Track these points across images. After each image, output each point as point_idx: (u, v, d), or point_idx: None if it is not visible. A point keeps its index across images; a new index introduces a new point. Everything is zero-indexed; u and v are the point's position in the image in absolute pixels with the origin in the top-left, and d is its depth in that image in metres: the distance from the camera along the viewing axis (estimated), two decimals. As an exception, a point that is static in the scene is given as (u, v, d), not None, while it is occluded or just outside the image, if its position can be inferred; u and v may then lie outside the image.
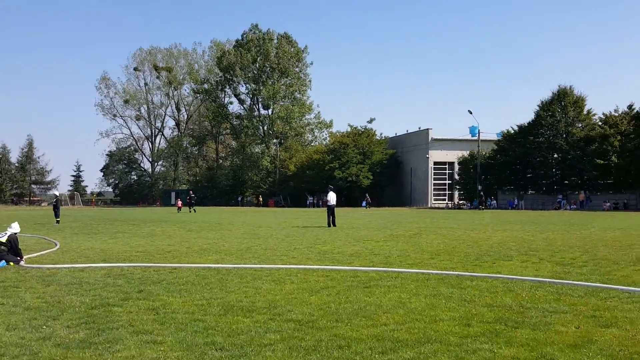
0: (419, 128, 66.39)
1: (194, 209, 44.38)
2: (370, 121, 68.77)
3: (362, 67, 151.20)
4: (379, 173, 64.87)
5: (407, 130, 69.73)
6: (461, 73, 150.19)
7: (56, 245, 14.26)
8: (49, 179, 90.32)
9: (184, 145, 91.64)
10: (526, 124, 55.67)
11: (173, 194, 76.81)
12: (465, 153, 60.19)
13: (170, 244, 14.97)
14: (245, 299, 7.15)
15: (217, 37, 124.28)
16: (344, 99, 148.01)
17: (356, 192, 64.31)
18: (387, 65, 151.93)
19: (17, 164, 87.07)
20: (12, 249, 10.82)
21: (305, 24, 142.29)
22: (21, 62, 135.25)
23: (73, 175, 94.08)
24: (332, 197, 23.48)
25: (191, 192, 53.76)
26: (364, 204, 62.03)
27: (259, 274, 9.41)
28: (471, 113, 57.05)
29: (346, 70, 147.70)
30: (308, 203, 66.08)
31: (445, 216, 35.70)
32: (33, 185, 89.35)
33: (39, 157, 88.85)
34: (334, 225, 22.62)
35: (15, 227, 11.16)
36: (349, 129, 69.27)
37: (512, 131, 57.05)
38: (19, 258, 10.83)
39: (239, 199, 75.87)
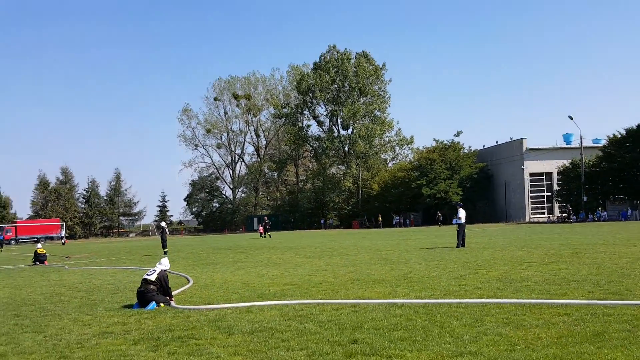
0: (511, 138, 62.72)
1: (269, 234, 44.62)
2: (458, 134, 65.68)
3: (441, 79, 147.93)
4: (469, 188, 61.65)
5: (496, 142, 66.24)
6: (549, 79, 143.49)
7: (189, 280, 13.03)
8: (136, 210, 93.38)
9: (264, 170, 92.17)
10: (635, 127, 50.90)
11: (255, 220, 76.99)
12: (565, 162, 55.89)
13: (310, 274, 13.42)
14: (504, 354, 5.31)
15: (294, 61, 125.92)
16: (423, 114, 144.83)
17: (445, 209, 61.32)
18: (467, 76, 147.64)
19: (105, 197, 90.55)
20: (161, 288, 9.60)
21: (381, 40, 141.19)
22: (106, 98, 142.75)
23: (159, 206, 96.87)
24: (462, 215, 21.41)
25: (265, 217, 54.80)
26: (454, 220, 58.94)
27: (469, 312, 7.53)
28: (572, 119, 53.01)
29: (424, 84, 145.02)
30: (394, 222, 63.74)
31: (567, 231, 32.36)
32: (121, 217, 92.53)
33: (126, 190, 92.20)
34: (463, 245, 20.45)
35: (165, 264, 9.97)
36: (433, 144, 66.56)
37: (619, 135, 52.36)
38: (168, 298, 9.59)
39: (322, 221, 74.65)
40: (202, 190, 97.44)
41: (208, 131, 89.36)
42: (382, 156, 78.90)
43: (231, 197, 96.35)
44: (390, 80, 77.65)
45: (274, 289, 10.88)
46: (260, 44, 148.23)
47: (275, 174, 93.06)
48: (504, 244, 21.42)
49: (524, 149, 59.68)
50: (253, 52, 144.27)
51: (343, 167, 77.67)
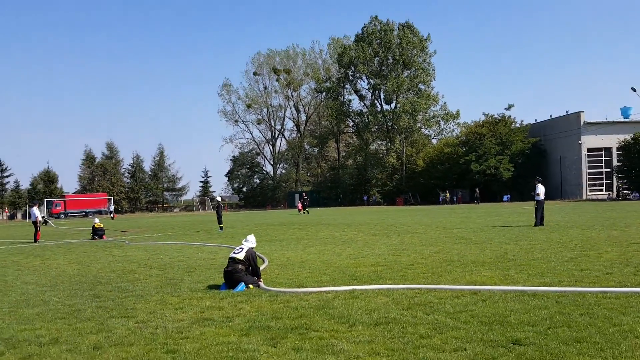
0: (567, 112, 59.76)
1: (306, 211, 45.14)
2: (509, 108, 63.00)
3: (488, 51, 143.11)
4: (520, 164, 59.28)
5: (550, 116, 63.28)
6: (606, 50, 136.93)
7: (264, 260, 12.16)
8: (179, 185, 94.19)
9: (304, 146, 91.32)
10: None
11: (297, 196, 76.57)
12: (627, 137, 52.86)
13: (393, 253, 12.42)
14: None
15: (334, 34, 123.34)
16: (470, 87, 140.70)
17: (495, 186, 59.27)
18: (517, 46, 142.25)
19: (150, 173, 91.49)
20: (249, 268, 8.76)
21: (424, 10, 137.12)
22: (148, 74, 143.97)
23: (201, 181, 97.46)
24: (541, 191, 20.02)
25: (304, 194, 55.58)
26: (505, 198, 57.07)
27: (624, 303, 6.37)
28: (635, 90, 49.83)
29: (470, 55, 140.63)
30: (440, 200, 62.08)
31: (635, 208, 30.37)
32: (165, 193, 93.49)
33: (169, 165, 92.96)
34: (542, 224, 19.09)
35: (251, 241, 9.12)
36: (482, 118, 64.12)
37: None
38: (256, 278, 8.75)
39: (365, 198, 73.52)
40: (243, 166, 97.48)
41: (248, 106, 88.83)
42: (426, 131, 76.83)
43: (272, 173, 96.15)
44: (435, 52, 75.17)
45: (363, 270, 9.92)
46: (300, 17, 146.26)
47: (316, 149, 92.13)
48: (586, 223, 19.90)
49: (582, 122, 56.77)
50: (293, 26, 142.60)
51: (385, 143, 76.00)
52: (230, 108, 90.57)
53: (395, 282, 8.56)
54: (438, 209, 45.19)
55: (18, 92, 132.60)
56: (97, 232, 22.16)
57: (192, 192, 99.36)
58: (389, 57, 72.42)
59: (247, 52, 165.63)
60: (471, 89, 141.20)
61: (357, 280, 8.93)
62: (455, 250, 12.59)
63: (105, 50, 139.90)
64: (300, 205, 47.82)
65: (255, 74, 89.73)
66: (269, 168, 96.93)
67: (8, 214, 69.76)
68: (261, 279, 8.83)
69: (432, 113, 74.26)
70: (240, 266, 8.57)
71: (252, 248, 8.98)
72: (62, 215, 67.10)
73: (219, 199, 26.11)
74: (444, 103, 74.51)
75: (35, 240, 21.88)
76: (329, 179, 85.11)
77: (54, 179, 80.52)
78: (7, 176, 79.00)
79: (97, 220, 23.17)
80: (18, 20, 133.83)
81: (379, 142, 78.72)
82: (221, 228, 24.78)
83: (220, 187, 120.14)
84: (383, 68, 73.39)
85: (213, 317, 6.69)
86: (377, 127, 74.58)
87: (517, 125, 63.08)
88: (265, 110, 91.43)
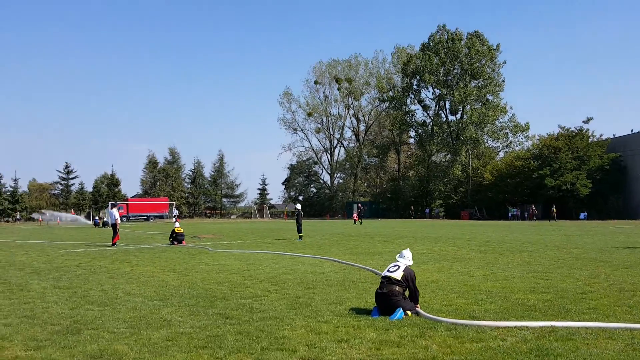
0: (651, 125, 55.60)
1: (360, 221, 45.62)
2: (587, 121, 59.27)
3: (559, 62, 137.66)
4: (599, 180, 55.49)
5: (631, 130, 59.11)
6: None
7: None
8: (237, 192, 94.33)
9: (363, 156, 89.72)
10: None
11: (355, 206, 74.92)
12: None
13: (535, 276, 10.57)
14: None
15: (399, 43, 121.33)
16: (541, 99, 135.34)
17: (571, 202, 55.67)
18: (592, 57, 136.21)
19: (209, 179, 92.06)
20: (406, 290, 7.21)
21: (492, 19, 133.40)
22: (210, 81, 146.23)
23: (259, 189, 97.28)
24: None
25: (359, 204, 56.67)
26: (582, 216, 53.47)
27: None
28: None
29: (541, 67, 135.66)
30: (510, 215, 58.86)
31: None
32: (224, 199, 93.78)
33: (229, 172, 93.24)
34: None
35: (408, 257, 7.58)
36: (557, 131, 60.66)
37: None
38: (412, 303, 7.19)
39: (427, 211, 71.01)
40: (300, 175, 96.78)
41: (309, 114, 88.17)
42: (493, 143, 73.73)
43: (329, 182, 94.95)
44: (504, 62, 72.27)
45: (527, 298, 8.16)
46: (363, 27, 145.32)
47: (374, 159, 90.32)
48: None
49: (667, 137, 52.61)
50: (355, 35, 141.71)
51: (449, 155, 73.29)
52: (290, 116, 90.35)
53: (583, 315, 6.81)
54: (515, 225, 42.40)
55: (86, 97, 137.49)
56: (177, 237, 21.24)
57: (250, 199, 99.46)
58: (456, 67, 70.04)
59: (309, 61, 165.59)
60: (543, 101, 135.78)
61: (533, 310, 7.22)
62: (613, 275, 10.62)
63: (170, 57, 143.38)
64: (356, 215, 47.57)
65: (316, 82, 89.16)
66: (326, 177, 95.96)
67: (74, 215, 71.30)
68: (418, 304, 7.25)
69: (499, 125, 71.11)
70: (397, 288, 7.03)
71: (409, 266, 7.42)
72: (124, 219, 67.78)
73: (299, 207, 24.76)
74: (513, 114, 71.38)
75: (113, 244, 21.17)
76: (388, 190, 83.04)
77: (117, 182, 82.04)
78: (72, 178, 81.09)
79: (177, 224, 22.28)
80: (80, 25, 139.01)
81: (443, 154, 76.10)
82: (300, 237, 23.46)
83: (277, 195, 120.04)
84: (449, 78, 71.06)
85: (400, 357, 5.16)
86: (441, 138, 72.05)
87: (595, 139, 59.23)
88: (324, 119, 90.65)
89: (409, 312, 6.92)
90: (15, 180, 74.03)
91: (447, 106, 72.88)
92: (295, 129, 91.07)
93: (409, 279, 7.15)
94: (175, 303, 8.31)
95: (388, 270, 7.29)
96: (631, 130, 59.30)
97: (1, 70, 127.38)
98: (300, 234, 23.63)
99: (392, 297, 6.93)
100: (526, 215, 57.00)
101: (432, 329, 6.25)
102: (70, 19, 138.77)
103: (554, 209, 50.32)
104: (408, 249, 7.83)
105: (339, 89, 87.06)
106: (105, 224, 47.09)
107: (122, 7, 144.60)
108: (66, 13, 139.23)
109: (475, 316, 6.90)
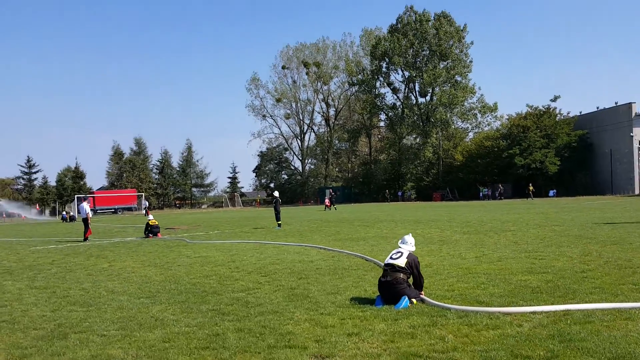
0: (616, 103, 56.91)
1: (334, 207, 44.45)
2: (555, 99, 60.13)
3: (525, 39, 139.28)
4: (567, 158, 56.65)
5: (597, 107, 60.38)
6: None
7: (379, 265, 10.28)
8: (207, 181, 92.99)
9: (334, 141, 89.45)
10: None
11: (328, 192, 74.78)
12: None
13: (529, 256, 10.47)
14: None
15: (367, 25, 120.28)
16: (507, 79, 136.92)
17: (540, 180, 56.71)
18: (556, 34, 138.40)
19: (178, 168, 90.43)
20: (411, 277, 6.94)
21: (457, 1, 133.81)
22: (176, 70, 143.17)
23: (229, 177, 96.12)
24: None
25: (331, 190, 55.67)
26: (551, 193, 54.55)
27: None
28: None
29: (506, 45, 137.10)
30: (481, 195, 59.64)
31: None
32: (193, 189, 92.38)
33: (197, 161, 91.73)
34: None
35: (410, 242, 7.27)
36: (526, 110, 61.39)
37: None
38: (417, 291, 6.92)
39: (399, 193, 71.41)
40: (271, 162, 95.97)
41: (278, 100, 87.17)
42: (462, 124, 74.39)
43: (300, 168, 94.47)
44: (472, 43, 72.62)
45: (528, 279, 7.99)
46: (330, 9, 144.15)
47: (345, 144, 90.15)
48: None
49: (633, 114, 53.89)
50: (322, 18, 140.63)
51: (419, 137, 73.61)
52: (259, 103, 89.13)
53: (591, 296, 6.67)
54: (488, 204, 42.90)
55: (44, 88, 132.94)
56: (152, 230, 20.57)
57: (219, 188, 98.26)
58: (425, 48, 70.07)
59: (276, 46, 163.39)
60: (509, 81, 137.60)
61: (539, 292, 7.04)
62: (605, 252, 10.60)
63: (129, 46, 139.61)
64: (327, 201, 47.21)
65: (283, 67, 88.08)
66: (297, 164, 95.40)
67: (39, 210, 69.12)
68: (423, 291, 6.99)
69: (468, 105, 71.70)
70: (401, 275, 6.74)
71: (412, 252, 7.13)
72: (91, 212, 66.16)
73: (277, 194, 24.31)
74: (481, 95, 72.02)
75: (85, 239, 20.38)
76: (360, 175, 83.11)
77: (81, 175, 79.81)
78: (35, 172, 78.53)
79: (151, 217, 21.58)
80: (40, 16, 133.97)
81: (413, 136, 76.42)
82: (279, 225, 23.07)
83: (248, 183, 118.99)
84: (418, 60, 71.12)
85: (418, 350, 4.87)
86: (411, 120, 72.27)
87: (563, 117, 60.32)
88: (293, 104, 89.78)
89: (414, 300, 6.65)
90: (-25, 176, 71.41)
91: (417, 88, 73.01)
92: (264, 116, 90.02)
93: (413, 265, 6.87)
94: (164, 300, 7.86)
95: (391, 258, 6.99)
96: (597, 107, 60.62)
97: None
98: (279, 222, 23.23)
99: (396, 285, 6.64)
100: (497, 195, 57.86)
101: (442, 317, 5.99)
102: (26, 3, 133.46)
103: (531, 187, 50.94)
104: (410, 234, 7.51)
105: (307, 74, 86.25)
106: (72, 219, 45.78)
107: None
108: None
109: (482, 301, 6.67)
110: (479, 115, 72.03)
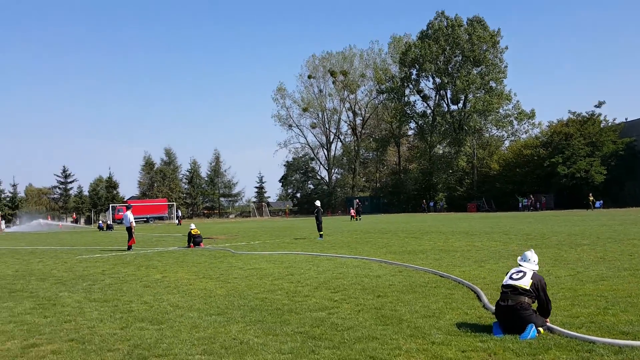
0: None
1: (359, 217, 43.74)
2: (600, 105, 57.88)
3: (563, 46, 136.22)
4: (614, 167, 54.37)
5: (642, 114, 58.09)
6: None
7: (477, 290, 8.97)
8: (235, 191, 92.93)
9: (361, 150, 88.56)
10: None
11: (355, 202, 73.85)
12: None
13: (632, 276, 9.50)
14: None
15: (395, 32, 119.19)
16: (545, 86, 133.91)
17: (585, 190, 54.63)
18: (598, 39, 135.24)
19: (206, 178, 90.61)
20: (537, 301, 6.04)
21: (490, 6, 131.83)
22: (203, 82, 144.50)
23: (256, 187, 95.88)
24: None
25: (357, 200, 54.91)
26: (597, 204, 52.36)
27: None
28: None
29: (543, 52, 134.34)
30: (521, 206, 57.82)
31: None
32: (221, 198, 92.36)
33: (225, 171, 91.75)
34: None
35: (533, 260, 6.34)
36: (568, 117, 59.30)
37: None
38: (543, 318, 5.98)
39: (431, 204, 69.96)
40: (297, 171, 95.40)
41: (304, 110, 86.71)
42: (497, 132, 72.66)
43: (327, 178, 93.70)
44: (506, 47, 70.93)
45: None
46: (356, 17, 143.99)
47: (373, 154, 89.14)
48: None
49: (684, 120, 51.55)
50: (349, 27, 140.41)
51: (452, 146, 72.08)
52: (285, 112, 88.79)
53: None
54: (534, 216, 41.26)
55: (78, 102, 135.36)
56: (194, 239, 20.04)
57: (247, 198, 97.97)
58: (457, 54, 68.79)
59: (302, 56, 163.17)
60: (550, 87, 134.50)
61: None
62: None
63: (161, 56, 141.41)
64: (353, 211, 46.03)
65: (310, 77, 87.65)
66: (323, 173, 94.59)
67: (75, 219, 69.80)
68: (548, 318, 6.09)
69: (504, 112, 70.01)
70: (526, 299, 5.85)
71: (537, 271, 6.27)
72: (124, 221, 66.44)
73: (318, 204, 23.58)
74: (517, 102, 70.19)
75: (129, 248, 19.97)
76: (390, 184, 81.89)
77: (115, 185, 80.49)
78: (70, 182, 79.49)
79: (193, 226, 21.05)
80: (71, 31, 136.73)
81: (444, 145, 75.00)
82: (321, 235, 22.34)
83: (274, 193, 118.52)
84: (450, 66, 69.87)
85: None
86: (443, 128, 70.93)
87: (608, 124, 58.07)
88: (320, 114, 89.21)
89: (540, 329, 5.76)
90: (14, 185, 72.57)
91: (449, 95, 71.74)
92: (290, 125, 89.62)
93: (539, 287, 5.97)
94: (239, 318, 7.18)
95: (511, 278, 6.10)
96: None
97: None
98: (321, 232, 22.50)
99: (520, 310, 5.76)
100: (538, 206, 55.84)
101: (590, 352, 5.01)
102: (65, 18, 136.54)
103: (591, 197, 48.74)
104: (532, 250, 6.56)
105: (333, 83, 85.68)
106: (109, 227, 45.85)
107: (116, 6, 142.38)
108: (63, 12, 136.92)
109: (626, 332, 5.66)
110: (515, 123, 70.25)
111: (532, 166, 57.35)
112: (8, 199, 70.47)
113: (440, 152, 75.70)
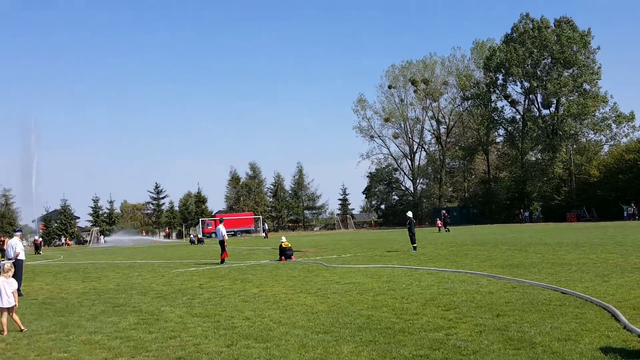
0: None
1: (446, 229, 42.88)
2: None
3: None
4: None
5: None
6: None
7: (612, 309, 7.48)
8: (319, 203, 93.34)
9: (447, 159, 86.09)
10: None
11: (442, 213, 71.57)
12: None
13: None
14: None
15: (479, 37, 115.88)
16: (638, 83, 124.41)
17: None
18: None
19: (290, 191, 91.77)
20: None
21: (572, 7, 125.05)
22: (284, 96, 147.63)
23: (340, 199, 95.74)
24: None
25: (444, 211, 53.54)
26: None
27: None
28: None
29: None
30: (625, 215, 53.29)
31: None
32: (305, 211, 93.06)
33: (308, 183, 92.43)
34: None
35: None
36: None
37: None
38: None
39: (527, 214, 66.22)
40: (380, 182, 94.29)
41: (386, 120, 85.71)
42: (594, 137, 67.91)
43: (411, 188, 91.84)
44: (598, 48, 66.35)
45: None
46: (435, 25, 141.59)
47: (459, 162, 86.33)
48: None
49: None
50: (429, 34, 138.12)
51: (546, 152, 68.06)
52: (366, 123, 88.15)
53: None
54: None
55: (167, 125, 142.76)
56: (285, 252, 19.94)
57: (330, 210, 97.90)
58: (546, 56, 65.28)
59: (381, 66, 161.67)
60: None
61: None
62: None
63: (245, 72, 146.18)
64: (440, 222, 45.07)
65: (390, 87, 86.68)
66: (408, 184, 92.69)
67: (167, 233, 73.05)
68: None
69: (600, 115, 65.34)
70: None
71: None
72: (213, 235, 68.32)
73: (410, 214, 22.72)
74: (615, 104, 65.26)
75: (222, 261, 20.19)
76: (480, 194, 78.77)
77: (203, 199, 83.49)
78: (162, 197, 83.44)
79: (284, 239, 20.99)
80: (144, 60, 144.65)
81: (536, 151, 71.07)
82: (415, 248, 21.48)
83: (358, 205, 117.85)
84: (538, 69, 66.42)
85: None
86: (535, 134, 67.27)
87: None
88: (402, 123, 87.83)
89: None
90: (111, 202, 77.05)
91: (539, 99, 68.11)
92: (372, 136, 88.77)
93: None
94: (347, 337, 6.71)
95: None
96: None
97: (92, 99, 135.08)
98: (414, 245, 21.64)
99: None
100: (644, 214, 51.21)
101: None
102: (158, 44, 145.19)
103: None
104: None
105: (415, 92, 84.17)
106: (200, 241, 47.34)
107: (202, 22, 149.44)
108: (159, 40, 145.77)
109: None
110: (613, 126, 65.36)
111: (635, 172, 52.81)
112: (105, 214, 74.98)
113: (533, 159, 71.87)
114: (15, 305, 8.52)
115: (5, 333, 8.15)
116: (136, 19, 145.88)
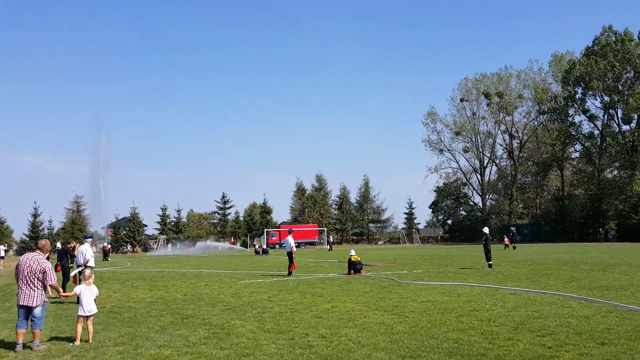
0: None
1: (513, 246, 43.36)
2: None
3: None
4: None
5: None
6: None
7: None
8: (384, 217, 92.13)
9: (518, 175, 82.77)
10: None
11: (511, 229, 68.62)
12: None
13: None
14: None
15: (557, 49, 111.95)
16: None
17: None
18: None
19: (355, 204, 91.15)
20: None
21: None
22: (352, 104, 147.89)
23: (405, 213, 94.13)
24: None
25: (512, 228, 53.82)
26: None
27: None
28: None
29: None
30: None
31: None
32: (370, 224, 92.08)
33: (374, 196, 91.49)
34: None
35: None
36: None
37: None
38: None
39: (603, 233, 62.40)
40: (448, 197, 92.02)
41: (457, 133, 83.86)
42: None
43: (480, 204, 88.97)
44: (687, 60, 61.96)
45: None
46: (511, 38, 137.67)
47: (532, 178, 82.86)
48: None
49: None
50: (505, 47, 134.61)
51: (625, 169, 64.04)
52: (436, 137, 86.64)
53: None
54: None
55: (235, 138, 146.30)
56: (355, 266, 19.44)
57: (395, 224, 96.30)
58: (629, 70, 61.71)
59: (453, 79, 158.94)
60: None
61: None
62: None
63: (313, 85, 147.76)
64: (507, 239, 44.55)
65: (462, 100, 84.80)
66: (477, 199, 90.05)
67: (232, 243, 74.29)
68: None
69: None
70: None
71: None
72: (277, 246, 68.76)
73: (487, 230, 21.67)
74: (701, 120, 60.64)
75: (289, 273, 19.97)
76: (552, 211, 75.13)
77: (269, 210, 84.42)
78: (229, 207, 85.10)
79: (353, 252, 20.51)
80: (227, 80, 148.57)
81: (614, 168, 67.11)
82: (490, 265, 20.41)
83: (424, 219, 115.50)
84: (620, 84, 62.87)
85: None
86: (614, 150, 63.53)
87: None
88: (473, 137, 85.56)
89: None
90: (178, 211, 79.35)
91: (619, 115, 64.45)
92: (441, 150, 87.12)
93: None
94: (438, 363, 6.13)
95: None
96: None
97: (166, 111, 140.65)
98: (490, 262, 20.57)
99: None
100: None
101: None
102: (225, 60, 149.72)
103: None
104: None
105: (488, 105, 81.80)
106: (265, 252, 47.64)
107: (282, 36, 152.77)
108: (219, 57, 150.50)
109: None
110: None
111: None
112: (173, 223, 77.21)
113: (610, 176, 67.92)
114: (95, 312, 8.46)
115: (78, 342, 8.02)
116: (222, 33, 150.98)
